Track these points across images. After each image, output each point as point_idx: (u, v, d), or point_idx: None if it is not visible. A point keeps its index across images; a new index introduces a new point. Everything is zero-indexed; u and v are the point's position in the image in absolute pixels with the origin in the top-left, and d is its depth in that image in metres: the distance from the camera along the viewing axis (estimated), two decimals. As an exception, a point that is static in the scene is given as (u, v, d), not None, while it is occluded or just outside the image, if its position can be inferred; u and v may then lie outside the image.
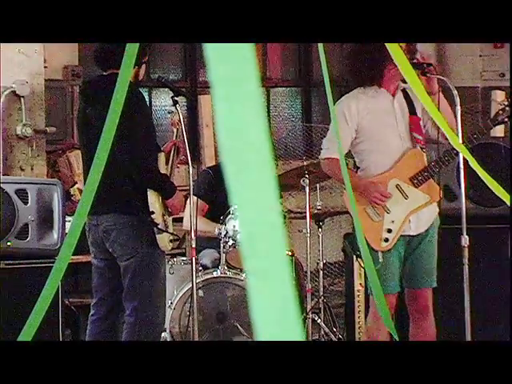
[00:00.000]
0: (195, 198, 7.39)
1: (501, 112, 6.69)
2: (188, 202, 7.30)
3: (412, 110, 6.53)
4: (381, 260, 6.28)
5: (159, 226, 6.41)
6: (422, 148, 6.51)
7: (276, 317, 1.36)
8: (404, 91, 6.54)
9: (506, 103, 6.84)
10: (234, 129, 1.32)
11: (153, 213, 6.38)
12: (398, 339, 6.31)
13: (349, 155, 6.59)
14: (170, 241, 6.58)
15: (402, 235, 6.42)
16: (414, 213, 6.45)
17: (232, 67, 1.28)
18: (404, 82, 6.42)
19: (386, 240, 6.38)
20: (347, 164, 6.52)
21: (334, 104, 6.14)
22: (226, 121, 1.31)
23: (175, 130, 6.92)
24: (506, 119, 6.75)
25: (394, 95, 6.53)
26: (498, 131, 7.92)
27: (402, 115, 6.52)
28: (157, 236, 6.43)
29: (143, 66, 6.50)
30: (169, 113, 7.39)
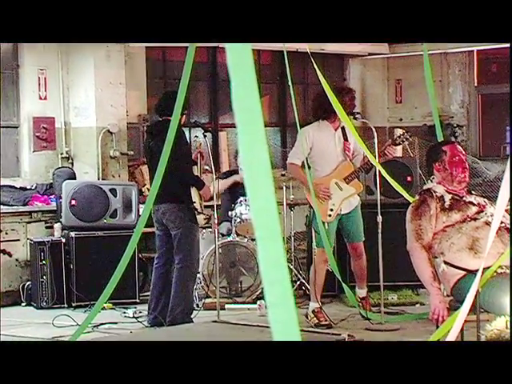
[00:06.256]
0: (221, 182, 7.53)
1: (398, 138, 6.74)
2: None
3: (345, 138, 6.59)
4: (327, 227, 6.40)
5: (199, 210, 6.44)
6: (350, 161, 6.60)
7: (275, 262, 1.36)
8: (342, 127, 6.60)
9: (403, 132, 6.88)
10: (249, 150, 1.32)
11: (194, 202, 6.42)
12: (338, 274, 6.34)
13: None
14: (204, 218, 6.61)
15: (338, 213, 6.51)
16: (346, 199, 6.58)
17: (249, 115, 1.29)
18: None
19: (330, 215, 6.51)
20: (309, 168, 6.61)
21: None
22: (246, 146, 1.32)
23: (198, 144, 6.94)
24: (401, 142, 6.79)
25: (336, 129, 6.59)
26: (398, 152, 7.91)
27: (339, 142, 6.58)
28: (197, 216, 6.45)
29: (184, 116, 6.44)
30: (196, 136, 7.47)
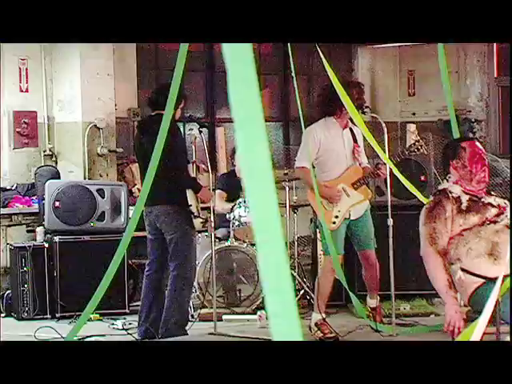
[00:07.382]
0: (217, 195, 7.58)
1: (413, 145, 6.73)
2: (215, 194, 7.31)
3: (355, 140, 6.56)
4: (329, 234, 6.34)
5: (195, 214, 6.43)
6: (359, 164, 6.58)
7: (276, 269, 1.35)
8: (350, 128, 6.57)
9: (418, 138, 6.87)
10: (248, 148, 1.31)
11: (190, 205, 6.41)
12: (345, 284, 6.34)
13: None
14: (201, 222, 6.60)
15: (346, 218, 6.49)
16: (353, 206, 6.51)
17: (247, 109, 1.28)
18: (352, 122, 6.46)
19: (334, 223, 6.45)
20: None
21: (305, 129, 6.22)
22: (244, 143, 1.31)
23: (193, 147, 6.97)
24: (416, 151, 6.77)
25: (344, 128, 6.55)
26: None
27: (347, 143, 6.54)
28: (193, 219, 6.44)
29: (179, 110, 6.43)
30: (189, 131, 7.49)
